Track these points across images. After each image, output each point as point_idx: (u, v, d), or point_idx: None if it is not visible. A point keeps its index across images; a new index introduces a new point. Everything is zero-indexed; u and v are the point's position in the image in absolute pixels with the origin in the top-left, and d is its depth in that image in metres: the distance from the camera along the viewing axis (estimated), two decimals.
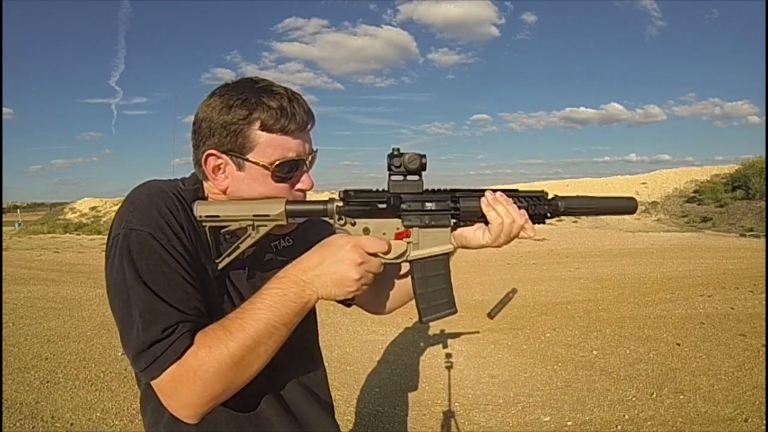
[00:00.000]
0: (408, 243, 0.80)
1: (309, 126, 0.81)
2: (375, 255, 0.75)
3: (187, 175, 0.84)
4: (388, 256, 0.77)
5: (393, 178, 0.78)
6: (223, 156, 0.77)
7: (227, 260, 0.77)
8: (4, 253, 12.87)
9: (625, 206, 0.88)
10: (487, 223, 0.81)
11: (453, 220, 0.81)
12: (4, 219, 23.01)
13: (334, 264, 0.71)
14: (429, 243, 0.80)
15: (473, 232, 0.83)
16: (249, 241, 0.78)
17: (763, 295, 5.29)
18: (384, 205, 0.78)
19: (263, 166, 0.77)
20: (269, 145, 0.76)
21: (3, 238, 16.80)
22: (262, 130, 0.76)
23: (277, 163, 0.77)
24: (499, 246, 0.82)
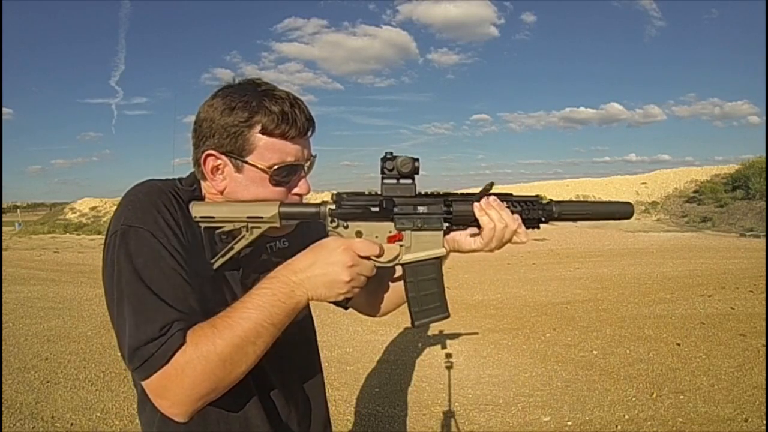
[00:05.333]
0: (400, 246, 0.80)
1: (309, 132, 0.82)
2: (367, 258, 0.75)
3: (185, 175, 0.85)
4: (380, 259, 0.77)
5: (386, 181, 0.78)
6: (222, 157, 0.78)
7: (221, 261, 0.78)
8: (4, 253, 12.87)
9: (621, 211, 0.87)
10: (479, 227, 0.80)
11: (446, 224, 0.81)
12: (4, 219, 23.00)
13: (325, 266, 0.72)
14: (421, 246, 0.80)
15: (465, 237, 0.83)
16: (243, 243, 0.78)
17: (763, 295, 5.28)
18: (377, 209, 0.78)
19: (261, 169, 0.77)
20: (268, 149, 0.77)
21: (3, 238, 16.80)
22: (263, 133, 0.76)
23: (276, 167, 0.77)
24: (491, 251, 0.82)
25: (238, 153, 0.77)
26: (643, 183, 21.57)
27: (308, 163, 0.83)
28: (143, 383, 0.68)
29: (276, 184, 0.79)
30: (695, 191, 18.86)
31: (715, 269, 7.34)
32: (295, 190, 0.82)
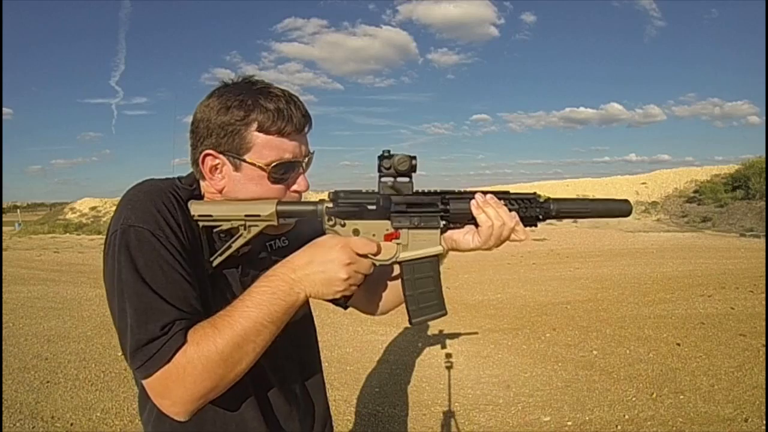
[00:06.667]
0: (398, 244, 0.80)
1: (306, 128, 0.82)
2: (365, 256, 0.75)
3: (185, 175, 0.85)
4: (377, 257, 0.77)
5: (383, 179, 0.78)
6: (220, 156, 0.78)
7: (219, 259, 0.78)
8: (4, 253, 12.86)
9: (618, 209, 0.87)
10: (477, 225, 0.80)
11: (443, 222, 0.81)
12: (4, 219, 22.97)
13: (322, 264, 0.72)
14: (418, 245, 0.80)
15: (463, 235, 0.83)
16: (241, 241, 0.78)
17: (763, 295, 5.28)
18: (374, 207, 0.78)
19: (259, 167, 0.77)
20: (266, 147, 0.77)
21: (3, 238, 16.78)
22: (259, 131, 0.76)
23: (274, 164, 0.77)
24: (489, 249, 0.82)
25: (235, 152, 0.77)
26: (643, 183, 21.55)
27: (306, 160, 0.83)
28: (144, 383, 0.69)
29: (274, 181, 0.79)
30: (695, 191, 18.83)
31: (715, 269, 7.33)
32: (294, 187, 0.82)
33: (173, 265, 0.71)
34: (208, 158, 0.78)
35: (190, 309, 0.70)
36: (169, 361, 0.66)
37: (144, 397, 0.82)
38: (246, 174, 0.78)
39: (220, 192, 0.80)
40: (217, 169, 0.79)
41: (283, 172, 0.79)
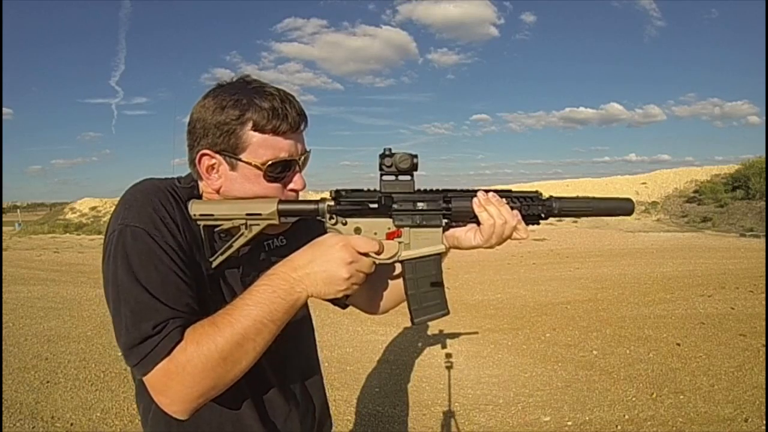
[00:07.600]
0: (399, 243, 0.80)
1: (301, 127, 0.81)
2: (366, 255, 0.75)
3: (184, 175, 0.85)
4: (379, 256, 0.77)
5: (385, 178, 0.78)
6: (217, 156, 0.78)
7: (220, 259, 0.78)
8: (4, 253, 12.86)
9: (621, 207, 0.87)
10: (479, 223, 0.80)
11: (445, 221, 0.81)
12: (4, 219, 22.96)
13: (324, 263, 0.72)
14: (420, 243, 0.80)
15: (465, 233, 0.83)
16: (242, 240, 0.78)
17: (763, 295, 5.28)
18: (375, 205, 0.78)
19: (255, 166, 0.77)
20: (261, 146, 0.77)
21: (3, 238, 16.78)
22: (255, 130, 0.76)
23: (269, 163, 0.77)
24: (491, 247, 0.82)
25: (231, 151, 0.77)
26: (643, 183, 21.55)
27: (302, 159, 0.83)
28: (144, 380, 0.69)
29: (270, 180, 0.79)
30: (695, 191, 18.83)
31: (715, 269, 7.33)
32: (291, 186, 0.82)
33: (168, 265, 0.71)
34: (205, 158, 0.78)
35: (185, 308, 0.71)
36: (164, 358, 0.66)
37: (140, 394, 0.82)
38: (242, 173, 0.78)
39: (218, 191, 0.80)
40: (213, 168, 0.79)
41: (279, 170, 0.79)
